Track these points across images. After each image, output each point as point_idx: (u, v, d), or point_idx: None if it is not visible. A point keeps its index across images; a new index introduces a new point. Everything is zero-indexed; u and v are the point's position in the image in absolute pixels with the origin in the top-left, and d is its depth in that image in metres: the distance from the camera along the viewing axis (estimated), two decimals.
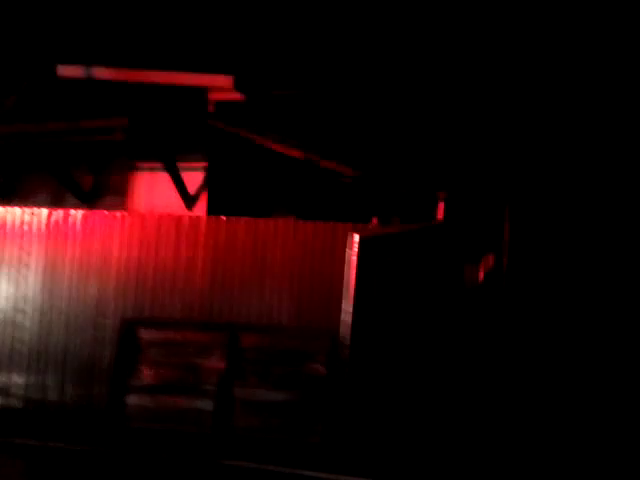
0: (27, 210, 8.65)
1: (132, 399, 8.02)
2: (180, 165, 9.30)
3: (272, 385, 7.82)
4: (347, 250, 7.44)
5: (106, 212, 8.51)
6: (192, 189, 9.41)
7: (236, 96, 8.84)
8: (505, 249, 7.58)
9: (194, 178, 9.46)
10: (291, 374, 7.81)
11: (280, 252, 7.99)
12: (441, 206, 7.38)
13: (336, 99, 8.71)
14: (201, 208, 9.37)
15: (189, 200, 9.41)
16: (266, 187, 9.16)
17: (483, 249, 8.48)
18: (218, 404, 7.85)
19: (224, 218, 8.22)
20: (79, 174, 10.18)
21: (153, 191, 9.84)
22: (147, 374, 8.07)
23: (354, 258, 7.66)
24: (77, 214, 8.54)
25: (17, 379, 8.40)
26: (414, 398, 7.67)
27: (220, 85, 8.64)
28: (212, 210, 9.11)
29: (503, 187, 7.85)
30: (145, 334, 8.13)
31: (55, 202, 9.78)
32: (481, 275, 8.62)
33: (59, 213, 8.58)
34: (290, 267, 7.97)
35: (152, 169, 9.67)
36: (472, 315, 8.35)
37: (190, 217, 8.24)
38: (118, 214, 8.43)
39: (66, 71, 9.37)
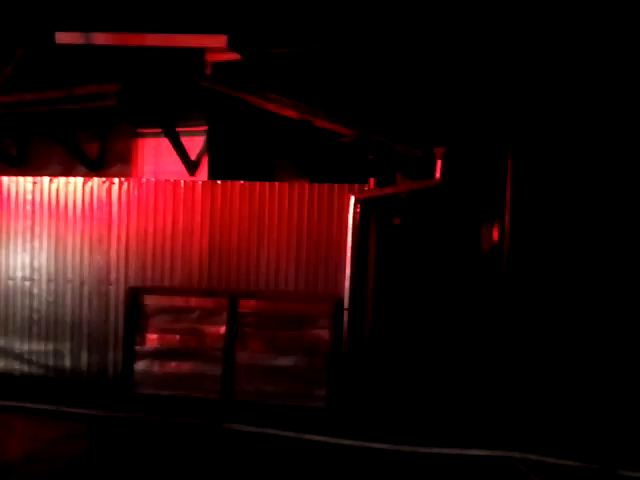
0: (29, 179, 8.70)
1: (139, 365, 8.10)
2: (181, 130, 9.19)
3: (275, 350, 7.78)
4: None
5: (104, 179, 8.48)
6: (194, 154, 9.30)
7: (233, 56, 8.59)
8: (507, 208, 7.21)
9: (196, 143, 9.34)
10: (293, 339, 7.75)
11: (277, 215, 7.86)
12: (439, 163, 7.08)
13: (330, 55, 8.36)
14: (204, 173, 9.29)
15: (191, 165, 9.29)
16: (267, 149, 8.97)
17: (496, 207, 8.12)
18: (223, 369, 7.87)
19: (219, 182, 8.10)
20: (86, 142, 10.19)
21: (158, 157, 9.78)
22: (153, 340, 8.13)
23: (351, 219, 7.50)
24: (77, 181, 8.54)
25: (32, 346, 8.57)
26: (420, 362, 7.54)
27: (214, 45, 8.39)
28: (213, 174, 9.00)
29: (504, 139, 7.40)
30: (150, 301, 8.16)
31: (65, 171, 9.81)
32: (495, 235, 8.30)
33: (59, 181, 8.59)
34: (289, 230, 7.84)
35: (156, 135, 9.60)
36: (487, 279, 8.05)
37: (186, 182, 8.15)
38: (116, 180, 8.39)
39: (64, 38, 9.25)
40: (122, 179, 8.44)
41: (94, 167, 9.94)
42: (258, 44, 8.70)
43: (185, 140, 9.25)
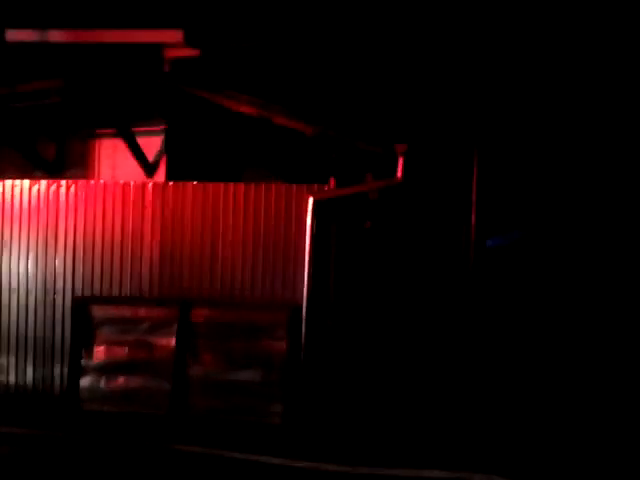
0: None
1: (85, 380, 7.58)
2: (138, 130, 8.74)
3: (229, 363, 7.26)
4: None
5: (51, 181, 7.97)
6: (152, 155, 8.83)
7: (191, 52, 8.13)
8: (473, 209, 6.69)
9: (153, 143, 8.87)
10: (248, 351, 7.23)
11: (232, 218, 7.35)
12: (401, 161, 6.59)
13: (290, 51, 7.86)
14: (162, 174, 8.80)
15: (149, 167, 8.81)
16: (232, 149, 8.48)
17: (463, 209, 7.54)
18: (173, 384, 7.33)
19: (170, 183, 7.62)
20: (42, 145, 9.74)
21: (116, 159, 9.32)
22: (100, 353, 7.61)
23: (309, 221, 7.00)
24: (23, 185, 8.04)
25: None
26: (380, 375, 7.00)
27: (170, 40, 7.92)
28: (171, 176, 8.49)
29: (470, 141, 6.89)
30: (97, 311, 7.65)
31: (22, 176, 9.33)
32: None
33: (5, 184, 8.08)
34: (244, 234, 7.33)
35: (114, 136, 9.14)
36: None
37: (135, 184, 7.65)
38: (63, 183, 7.89)
39: (14, 36, 8.80)
40: (69, 181, 7.93)
41: (51, 171, 9.47)
42: (217, 39, 8.23)
43: (143, 141, 8.81)
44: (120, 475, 5.84)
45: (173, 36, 8.04)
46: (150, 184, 7.65)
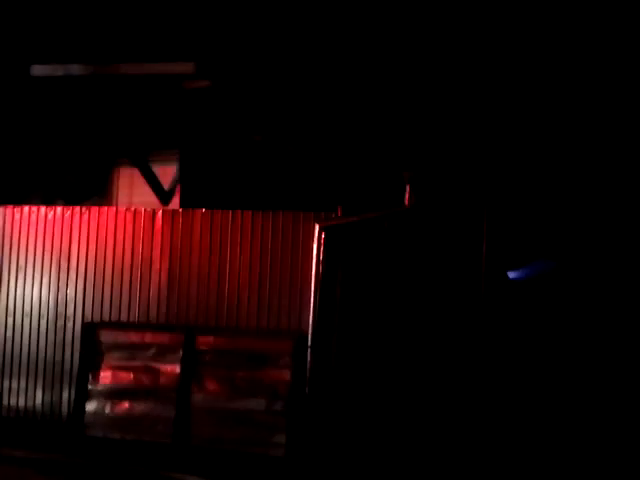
0: None
1: (91, 405, 7.55)
2: (154, 159, 8.91)
3: (232, 391, 7.15)
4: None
5: (65, 208, 8.09)
6: (167, 183, 8.96)
7: (203, 84, 8.27)
8: (484, 237, 6.45)
9: (169, 172, 9.00)
10: (253, 379, 7.12)
11: (240, 245, 7.33)
12: (408, 188, 6.49)
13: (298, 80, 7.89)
14: (177, 202, 8.90)
15: (164, 195, 8.93)
16: (240, 177, 8.54)
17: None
18: (177, 411, 7.25)
19: (180, 211, 7.67)
20: (64, 173, 9.98)
21: (134, 187, 9.48)
22: (106, 378, 7.59)
23: (315, 249, 6.93)
24: (37, 211, 8.17)
25: None
26: (388, 406, 6.79)
27: (182, 72, 8.06)
28: (186, 204, 8.58)
29: (483, 159, 6.63)
30: (105, 336, 7.66)
31: (44, 203, 9.53)
32: None
33: (20, 210, 8.22)
34: (251, 262, 7.29)
35: (132, 165, 9.30)
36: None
37: (146, 211, 7.69)
38: (77, 210, 8.00)
39: (40, 70, 9.07)
40: (83, 208, 8.04)
41: (71, 198, 9.66)
42: (228, 70, 8.34)
43: (159, 168, 8.96)
44: None
45: (185, 68, 8.19)
46: (160, 211, 7.68)
